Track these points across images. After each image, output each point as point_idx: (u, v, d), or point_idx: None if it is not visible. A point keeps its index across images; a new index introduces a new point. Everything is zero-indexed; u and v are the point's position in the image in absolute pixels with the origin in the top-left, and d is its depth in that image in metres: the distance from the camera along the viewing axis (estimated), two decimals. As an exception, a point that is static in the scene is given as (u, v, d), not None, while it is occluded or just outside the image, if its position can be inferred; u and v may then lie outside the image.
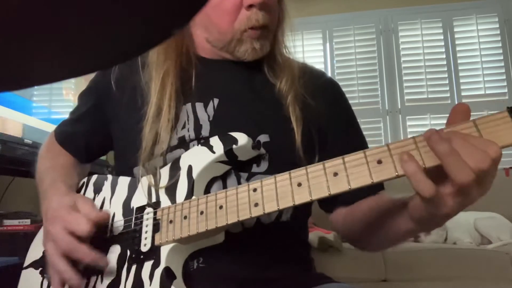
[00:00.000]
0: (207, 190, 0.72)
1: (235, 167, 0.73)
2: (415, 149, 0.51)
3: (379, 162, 0.53)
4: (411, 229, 0.59)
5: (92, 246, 0.70)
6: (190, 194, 0.70)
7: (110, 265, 0.69)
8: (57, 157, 0.87)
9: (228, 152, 0.70)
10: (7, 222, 1.46)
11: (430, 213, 0.52)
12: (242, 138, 0.70)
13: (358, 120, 0.88)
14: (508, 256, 1.98)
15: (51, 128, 0.95)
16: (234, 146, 0.70)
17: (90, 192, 0.80)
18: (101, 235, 0.71)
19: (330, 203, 0.79)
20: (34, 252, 0.80)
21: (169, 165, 0.75)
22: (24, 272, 0.79)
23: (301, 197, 0.57)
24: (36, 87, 1.71)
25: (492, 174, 0.48)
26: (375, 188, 0.71)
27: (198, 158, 0.72)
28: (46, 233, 0.70)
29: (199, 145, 0.74)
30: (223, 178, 0.73)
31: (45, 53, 0.21)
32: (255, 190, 0.60)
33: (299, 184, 0.57)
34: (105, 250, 0.71)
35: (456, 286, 1.91)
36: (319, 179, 0.56)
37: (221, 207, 0.62)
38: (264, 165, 0.75)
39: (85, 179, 0.83)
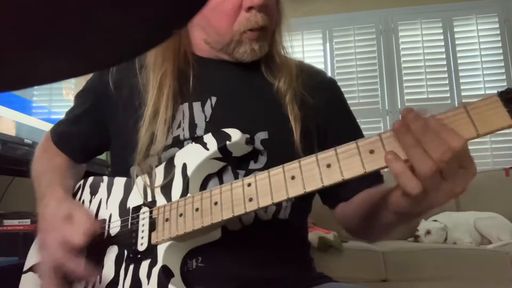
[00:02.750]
0: (203, 187, 0.72)
1: (231, 164, 0.73)
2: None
3: (372, 152, 0.53)
4: (391, 221, 0.61)
5: (90, 249, 0.70)
6: (185, 192, 0.70)
7: (108, 266, 0.69)
8: (54, 158, 0.87)
9: (222, 148, 0.70)
10: (7, 222, 1.46)
11: (411, 209, 0.53)
12: (235, 134, 0.70)
13: (358, 120, 0.89)
14: (508, 256, 1.98)
15: (49, 128, 0.94)
16: (227, 142, 0.70)
17: (86, 194, 0.80)
18: (98, 237, 0.71)
19: (332, 199, 0.81)
20: (34, 255, 0.80)
21: (163, 164, 0.74)
22: (24, 276, 0.79)
23: (295, 190, 0.57)
24: (36, 87, 1.71)
25: (457, 165, 0.49)
26: (374, 181, 0.72)
27: (192, 156, 0.72)
28: (43, 240, 0.70)
29: (193, 142, 0.74)
30: (219, 175, 0.73)
31: (45, 53, 0.21)
32: (249, 185, 0.60)
33: (293, 177, 0.57)
34: (102, 252, 0.71)
35: (456, 286, 1.91)
36: (313, 171, 0.56)
37: (216, 203, 0.62)
38: (262, 162, 0.75)
39: (81, 182, 0.83)
